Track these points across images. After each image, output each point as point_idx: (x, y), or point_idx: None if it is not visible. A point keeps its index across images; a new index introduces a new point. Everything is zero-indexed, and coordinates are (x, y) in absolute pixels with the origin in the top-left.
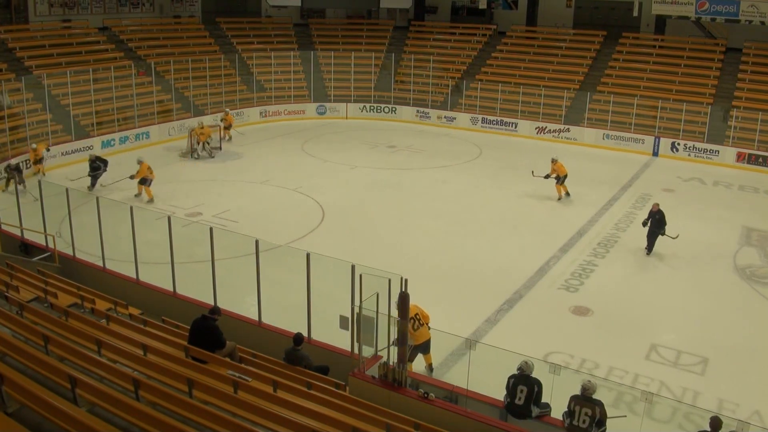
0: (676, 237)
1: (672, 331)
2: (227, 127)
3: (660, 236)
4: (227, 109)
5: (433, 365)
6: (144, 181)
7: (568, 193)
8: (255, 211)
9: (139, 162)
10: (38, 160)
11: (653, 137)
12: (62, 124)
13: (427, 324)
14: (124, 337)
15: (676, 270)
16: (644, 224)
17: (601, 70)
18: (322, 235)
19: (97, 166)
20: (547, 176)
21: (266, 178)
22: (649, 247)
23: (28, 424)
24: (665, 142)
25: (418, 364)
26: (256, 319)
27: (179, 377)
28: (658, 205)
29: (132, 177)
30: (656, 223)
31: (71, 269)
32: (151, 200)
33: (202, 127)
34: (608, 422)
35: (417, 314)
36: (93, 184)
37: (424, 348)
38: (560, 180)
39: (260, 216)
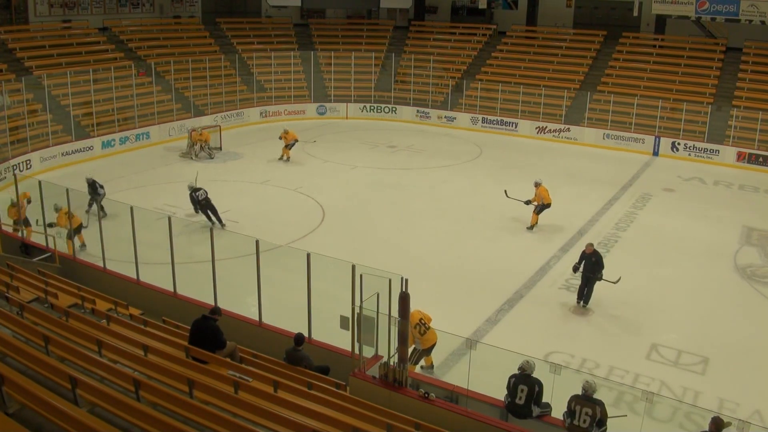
0: (617, 281)
1: (672, 330)
2: (289, 146)
3: (597, 281)
4: (285, 127)
5: (434, 365)
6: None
7: (533, 225)
8: (255, 212)
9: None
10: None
11: (653, 137)
12: (62, 125)
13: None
14: (125, 337)
15: (677, 269)
16: (575, 269)
17: (601, 69)
18: (323, 235)
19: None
20: (527, 202)
21: (266, 179)
22: (585, 298)
23: (28, 425)
24: (665, 142)
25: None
26: (257, 319)
27: (180, 377)
28: (592, 246)
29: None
30: (591, 267)
31: (71, 270)
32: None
33: (201, 134)
34: (609, 422)
35: (421, 319)
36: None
37: (429, 350)
38: (539, 208)
39: (261, 216)
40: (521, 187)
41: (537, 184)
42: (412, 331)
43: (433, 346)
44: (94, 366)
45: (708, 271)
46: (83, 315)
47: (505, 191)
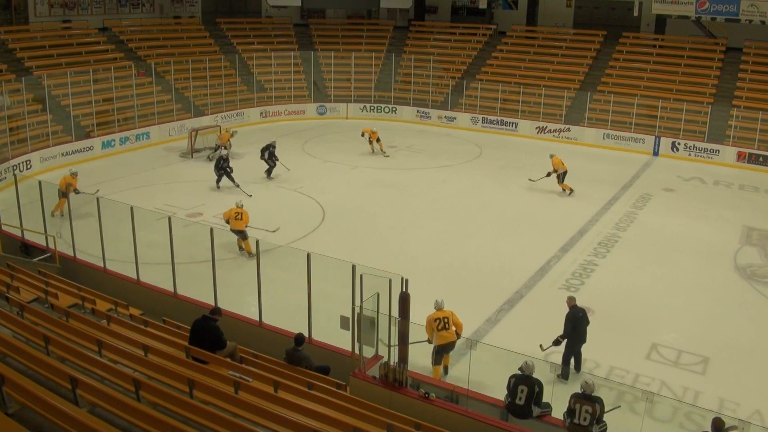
0: (548, 347)
1: (673, 330)
2: (376, 140)
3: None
4: (373, 128)
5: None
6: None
7: (571, 190)
8: (255, 212)
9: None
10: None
11: (653, 137)
12: (62, 125)
13: (456, 330)
14: (125, 337)
15: (677, 269)
16: (559, 341)
17: (601, 69)
18: (323, 235)
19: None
20: (548, 174)
21: (266, 178)
22: (576, 366)
23: (28, 425)
24: (666, 142)
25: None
26: (257, 319)
27: (180, 378)
28: (573, 299)
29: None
30: (574, 332)
31: (72, 270)
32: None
33: (221, 136)
34: (606, 417)
35: (446, 317)
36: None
37: (448, 349)
38: (561, 177)
39: (261, 216)
40: (522, 187)
41: (551, 156)
42: (431, 323)
43: (447, 345)
44: (94, 366)
45: (708, 271)
46: (83, 315)
47: (530, 179)
